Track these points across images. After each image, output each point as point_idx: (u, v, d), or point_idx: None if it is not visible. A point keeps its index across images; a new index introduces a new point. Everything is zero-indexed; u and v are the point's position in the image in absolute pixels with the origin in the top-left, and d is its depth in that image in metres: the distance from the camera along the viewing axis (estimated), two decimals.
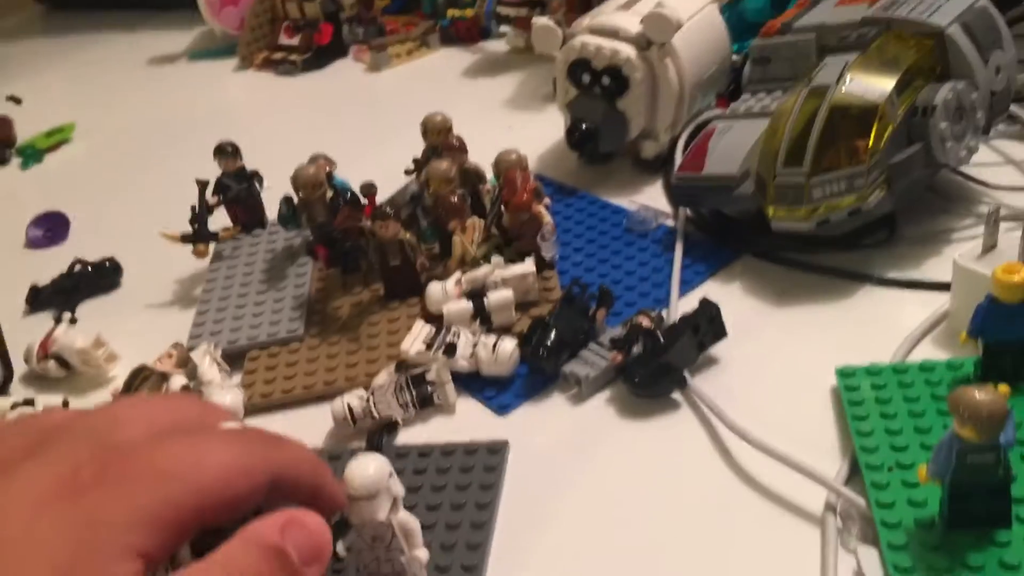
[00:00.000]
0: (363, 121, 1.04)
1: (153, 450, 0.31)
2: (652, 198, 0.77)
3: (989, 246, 0.54)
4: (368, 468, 0.43)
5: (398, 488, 0.44)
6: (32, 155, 1.06)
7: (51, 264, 0.78)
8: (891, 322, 0.57)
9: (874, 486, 0.44)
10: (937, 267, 0.61)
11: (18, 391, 0.66)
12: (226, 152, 0.74)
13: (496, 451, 0.53)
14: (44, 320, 0.73)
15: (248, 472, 0.32)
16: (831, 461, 0.48)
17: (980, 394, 0.37)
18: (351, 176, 0.78)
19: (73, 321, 0.68)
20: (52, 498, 0.29)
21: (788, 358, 0.57)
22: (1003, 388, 0.38)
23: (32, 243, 0.87)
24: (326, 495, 0.36)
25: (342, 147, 0.95)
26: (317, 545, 0.32)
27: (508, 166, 0.67)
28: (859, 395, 0.50)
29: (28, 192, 1.02)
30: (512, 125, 0.96)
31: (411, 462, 0.53)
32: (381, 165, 0.81)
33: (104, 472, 0.30)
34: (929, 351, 0.55)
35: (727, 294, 0.63)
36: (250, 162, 0.79)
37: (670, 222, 0.71)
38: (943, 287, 0.57)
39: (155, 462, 0.31)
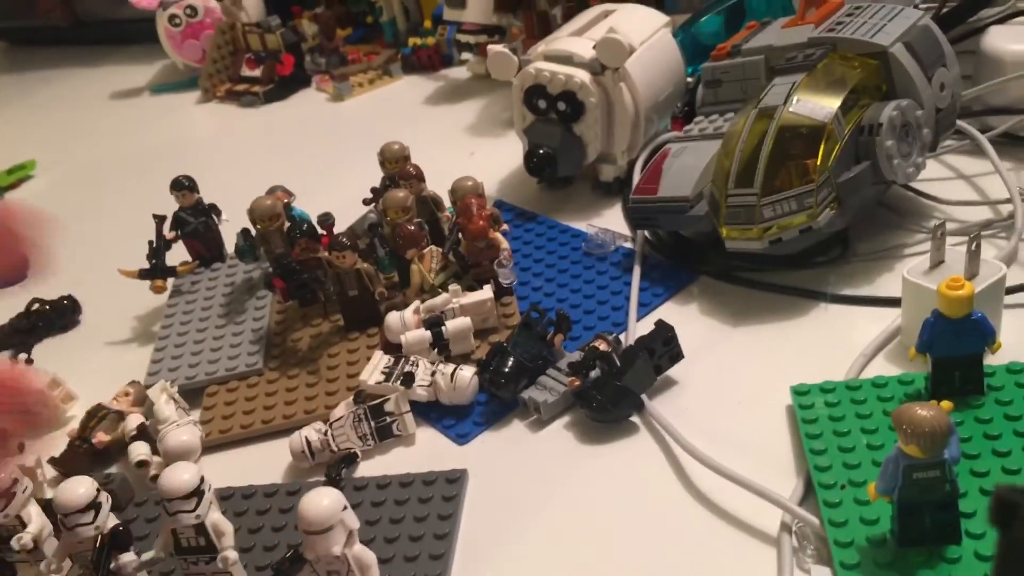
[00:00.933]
0: (326, 150, 1.05)
1: None
2: (612, 221, 0.77)
3: (937, 261, 0.55)
4: (322, 502, 0.43)
5: (353, 521, 0.44)
6: None
7: (11, 304, 0.77)
8: (845, 338, 0.58)
9: (827, 505, 0.44)
10: (890, 282, 0.62)
11: None
12: (182, 186, 0.73)
13: (454, 480, 0.53)
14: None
15: None
16: (787, 479, 0.49)
17: (923, 411, 0.38)
18: (314, 205, 0.78)
19: (29, 362, 0.67)
20: None
21: (745, 377, 0.57)
22: (946, 404, 0.39)
23: None
24: None
25: (304, 177, 0.96)
26: None
27: (464, 193, 0.68)
28: (813, 413, 0.50)
29: None
30: (474, 151, 0.96)
31: (369, 495, 0.52)
32: (344, 194, 0.82)
33: None
34: (882, 366, 0.55)
35: (685, 315, 0.64)
36: (212, 195, 0.79)
37: (629, 244, 0.72)
38: (895, 302, 0.57)
39: None
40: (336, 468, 0.54)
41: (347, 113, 1.14)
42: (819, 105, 0.60)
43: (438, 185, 0.73)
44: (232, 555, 0.45)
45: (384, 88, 1.18)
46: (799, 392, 0.52)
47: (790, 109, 0.60)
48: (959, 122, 0.71)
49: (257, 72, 1.21)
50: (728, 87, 0.71)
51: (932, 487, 0.39)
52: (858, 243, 0.66)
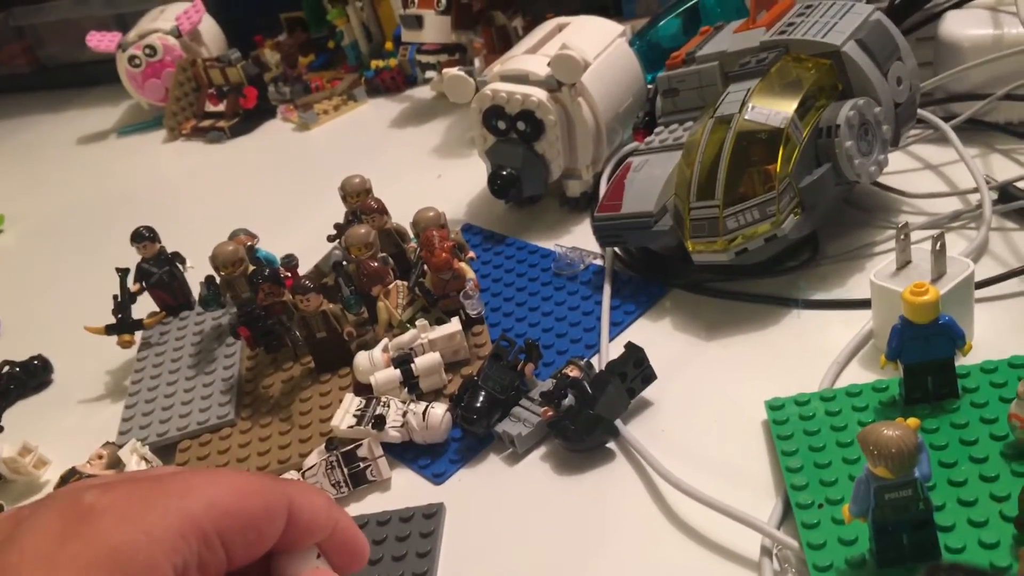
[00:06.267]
0: (294, 182, 1.04)
1: (157, 476, 0.30)
2: (581, 237, 0.76)
3: (903, 262, 0.54)
4: (292, 563, 0.42)
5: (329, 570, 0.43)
6: None
7: None
8: (819, 345, 0.57)
9: (805, 527, 0.43)
10: (861, 283, 0.61)
11: None
12: (143, 237, 0.72)
13: (431, 515, 0.52)
14: None
15: (262, 493, 0.30)
16: (766, 499, 0.48)
17: (888, 431, 0.37)
18: (282, 242, 0.77)
19: None
20: (61, 538, 0.26)
21: (719, 393, 0.56)
22: (913, 421, 0.38)
23: None
24: (343, 532, 0.33)
25: (271, 213, 0.95)
26: None
27: (425, 224, 0.67)
28: (788, 428, 0.49)
29: None
30: (442, 173, 0.95)
31: None
32: (311, 229, 0.81)
33: (111, 499, 0.27)
34: (857, 372, 0.54)
35: (657, 331, 0.63)
36: (181, 239, 0.78)
37: (599, 261, 0.71)
38: (867, 304, 0.56)
39: (162, 483, 0.29)
40: None
41: (313, 142, 1.13)
42: (775, 110, 0.59)
43: (407, 211, 0.72)
44: None
45: (349, 113, 1.17)
46: (773, 407, 0.51)
47: (746, 116, 0.59)
48: (921, 111, 0.70)
49: (221, 107, 1.21)
50: (686, 95, 0.70)
51: (905, 506, 0.38)
52: (827, 244, 0.65)
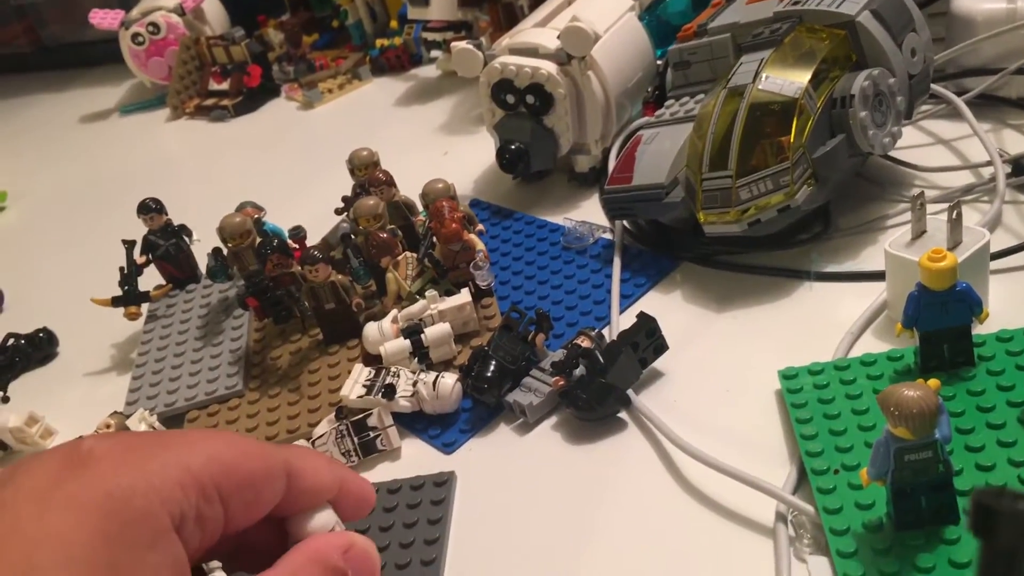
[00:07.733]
0: (298, 160, 1.03)
1: (159, 432, 0.30)
2: (590, 212, 0.76)
3: (919, 231, 0.53)
4: (311, 519, 0.43)
5: None
6: None
7: None
8: (832, 317, 0.57)
9: (820, 492, 0.43)
10: (874, 256, 0.61)
11: None
12: (149, 209, 0.72)
13: (442, 483, 0.52)
14: None
15: (262, 455, 0.30)
16: (780, 467, 0.47)
17: (909, 391, 0.36)
18: (288, 217, 0.77)
19: (5, 400, 0.66)
20: (58, 480, 0.26)
21: (732, 364, 0.56)
22: (933, 382, 0.38)
23: None
24: (352, 487, 0.33)
25: (277, 189, 0.94)
26: (372, 571, 0.31)
27: (435, 196, 0.66)
28: (802, 397, 0.49)
29: None
30: (448, 150, 0.95)
31: None
32: (317, 204, 0.80)
33: (110, 446, 0.27)
34: (871, 343, 0.54)
35: (668, 304, 0.62)
36: (187, 214, 0.77)
37: (608, 235, 0.70)
38: (880, 276, 0.56)
39: (163, 437, 0.29)
40: None
41: (318, 120, 1.12)
42: (789, 80, 0.58)
43: (413, 188, 0.72)
44: None
45: (354, 92, 1.16)
46: (787, 376, 0.51)
47: (760, 87, 0.59)
48: (934, 86, 0.69)
49: (225, 85, 1.20)
50: (697, 68, 0.70)
51: (925, 469, 0.38)
52: (840, 217, 0.65)
